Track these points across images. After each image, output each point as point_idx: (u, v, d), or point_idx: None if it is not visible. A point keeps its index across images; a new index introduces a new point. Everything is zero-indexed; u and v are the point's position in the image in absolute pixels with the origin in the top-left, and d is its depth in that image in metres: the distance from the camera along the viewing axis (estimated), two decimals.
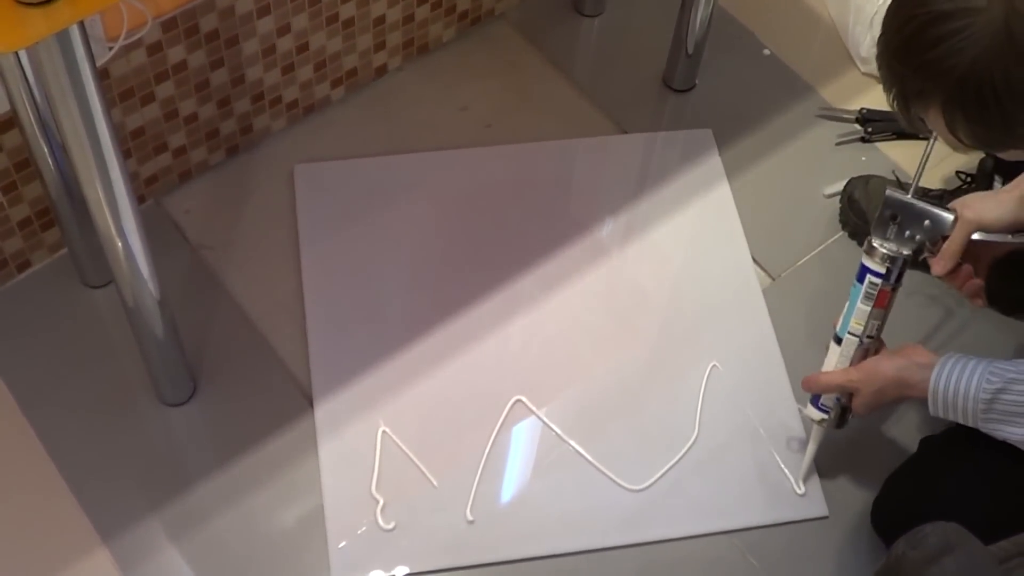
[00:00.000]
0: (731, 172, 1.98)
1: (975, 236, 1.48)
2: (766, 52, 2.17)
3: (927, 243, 1.48)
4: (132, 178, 1.70)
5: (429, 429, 1.67)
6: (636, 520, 1.62)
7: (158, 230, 1.81)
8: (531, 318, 1.79)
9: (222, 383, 1.69)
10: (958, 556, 1.03)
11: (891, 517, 1.58)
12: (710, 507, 1.64)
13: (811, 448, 1.63)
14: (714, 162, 2.00)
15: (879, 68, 1.18)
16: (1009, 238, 1.49)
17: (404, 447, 1.64)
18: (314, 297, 1.77)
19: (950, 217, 1.46)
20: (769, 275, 1.87)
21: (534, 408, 1.70)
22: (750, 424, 1.71)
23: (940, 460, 1.56)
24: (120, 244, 1.38)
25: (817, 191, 1.97)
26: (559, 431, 1.68)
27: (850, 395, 1.55)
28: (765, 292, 1.84)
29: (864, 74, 2.13)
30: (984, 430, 1.41)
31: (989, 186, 1.82)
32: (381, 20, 1.94)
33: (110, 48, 1.52)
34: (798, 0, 2.26)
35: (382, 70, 2.04)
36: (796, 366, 1.76)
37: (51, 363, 1.69)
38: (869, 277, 1.48)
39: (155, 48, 1.65)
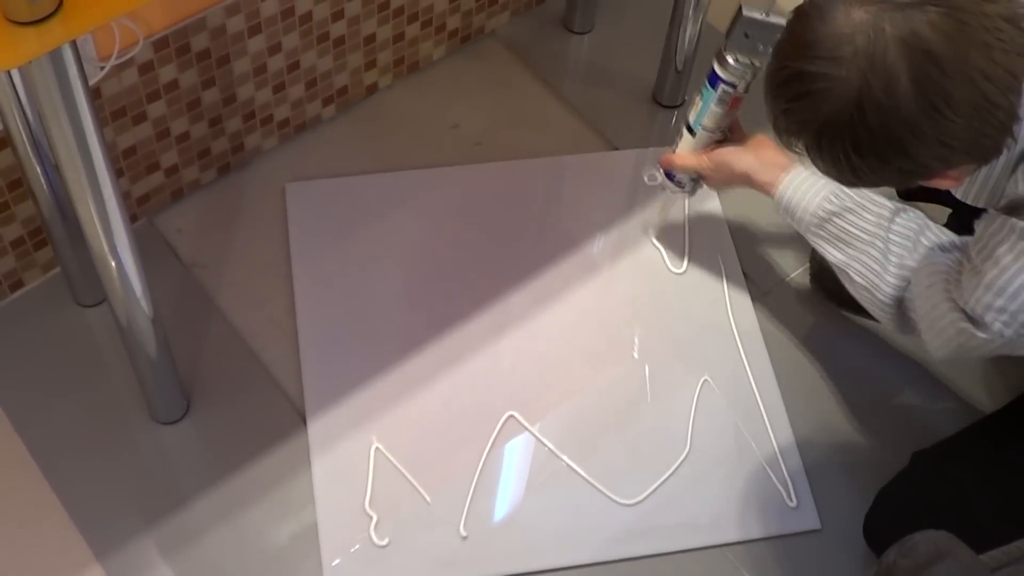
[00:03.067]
0: None
1: None
2: None
3: None
4: (124, 197, 1.70)
5: (422, 445, 1.67)
6: (629, 535, 1.62)
7: (151, 249, 1.81)
8: (523, 334, 1.79)
9: (215, 401, 1.69)
10: (948, 564, 1.04)
11: (883, 530, 1.58)
12: (703, 521, 1.64)
13: (661, 213, 1.88)
14: None
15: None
16: None
17: (397, 463, 1.65)
18: (306, 314, 1.77)
19: None
20: (760, 289, 1.87)
21: (527, 424, 1.70)
22: (742, 438, 1.72)
23: (932, 474, 1.57)
24: (113, 263, 1.38)
25: None
26: (552, 447, 1.69)
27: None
28: (756, 306, 1.85)
29: None
30: (811, 243, 1.58)
31: None
32: (372, 39, 1.95)
33: (102, 67, 1.52)
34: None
35: (373, 88, 2.05)
36: (788, 380, 1.77)
37: (44, 382, 1.69)
38: (722, 86, 1.60)
39: (147, 67, 1.66)
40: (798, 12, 1.15)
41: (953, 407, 1.76)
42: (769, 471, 1.69)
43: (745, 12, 1.53)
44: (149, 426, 1.66)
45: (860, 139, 1.11)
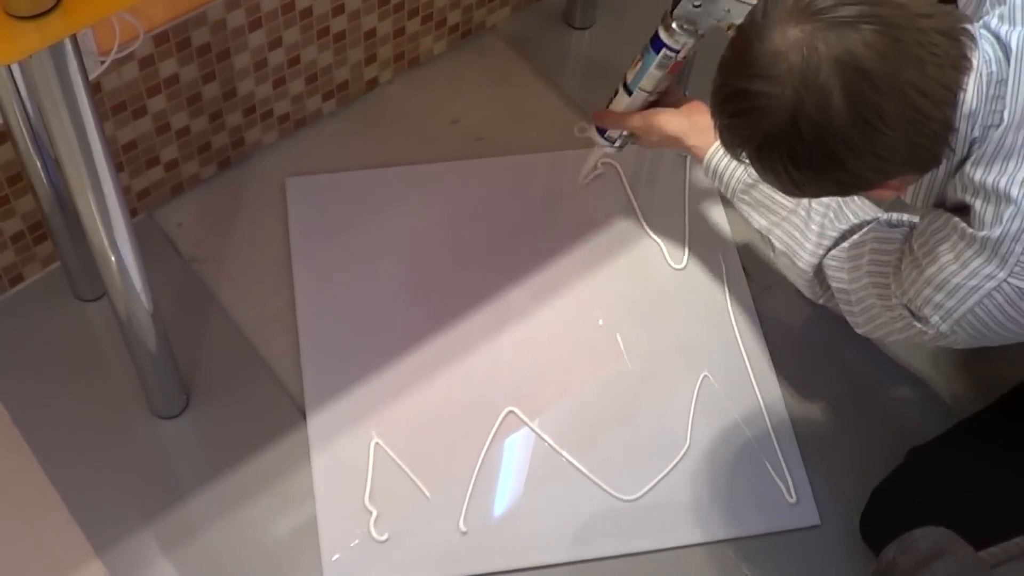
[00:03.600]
0: None
1: None
2: None
3: (727, 25, 1.57)
4: (124, 192, 1.70)
5: (422, 440, 1.67)
6: (629, 530, 1.62)
7: (150, 243, 1.81)
8: (523, 329, 1.79)
9: (215, 396, 1.69)
10: (948, 561, 1.04)
11: (880, 528, 1.59)
12: (702, 517, 1.64)
13: (588, 165, 1.89)
14: None
15: None
16: None
17: (397, 459, 1.65)
18: (306, 309, 1.77)
19: (746, 8, 1.51)
20: (760, 284, 1.87)
21: (526, 419, 1.70)
22: (742, 434, 1.72)
23: (927, 470, 1.58)
24: (113, 258, 1.38)
25: None
26: (551, 442, 1.69)
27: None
28: (756, 302, 1.85)
29: None
30: (736, 208, 1.63)
31: None
32: (372, 33, 1.95)
33: (102, 62, 1.52)
34: None
35: (373, 83, 2.05)
36: (787, 376, 1.77)
37: (44, 376, 1.69)
38: (665, 50, 1.60)
39: (147, 62, 1.66)
40: (739, 30, 1.18)
41: (952, 404, 1.76)
42: (769, 467, 1.69)
43: None
44: (149, 421, 1.66)
45: (797, 153, 1.14)
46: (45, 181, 1.55)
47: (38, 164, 1.52)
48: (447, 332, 1.77)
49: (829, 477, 1.69)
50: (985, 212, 1.21)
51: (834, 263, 1.52)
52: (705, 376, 1.77)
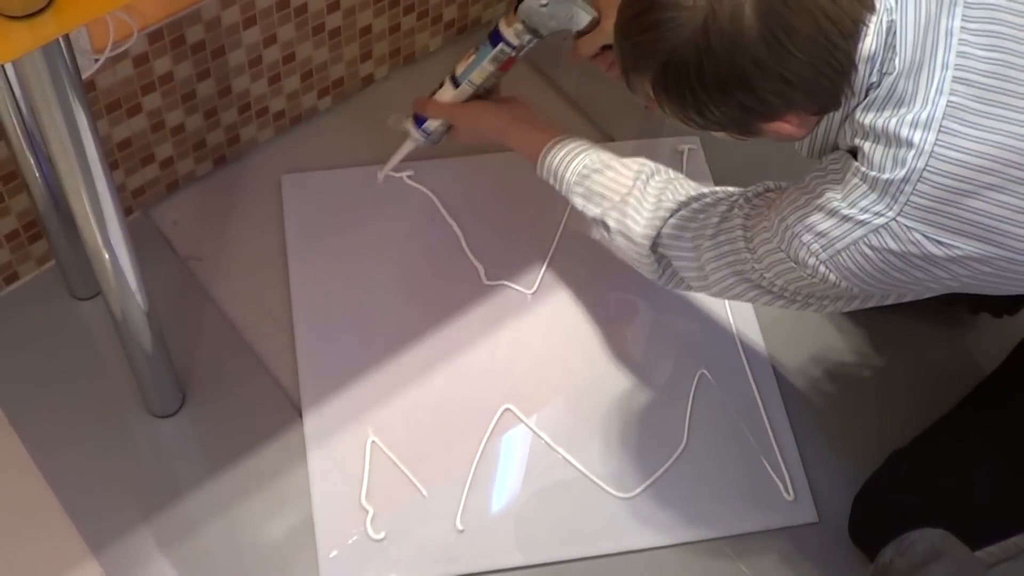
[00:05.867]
0: (718, 178, 1.98)
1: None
2: None
3: (571, 33, 1.59)
4: (119, 190, 1.70)
5: (418, 439, 1.67)
6: (626, 528, 1.62)
7: (146, 241, 1.81)
8: (519, 326, 1.79)
9: (211, 394, 1.69)
10: (945, 562, 1.04)
11: (867, 533, 1.60)
12: (700, 514, 1.64)
13: (396, 157, 1.77)
14: (702, 169, 2.00)
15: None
16: None
17: (393, 457, 1.64)
18: (302, 307, 1.77)
19: (588, 17, 1.56)
20: None
21: (523, 417, 1.70)
22: (739, 431, 1.71)
23: (911, 472, 1.58)
24: (107, 256, 1.38)
25: None
26: (548, 440, 1.68)
27: (449, 125, 1.71)
28: None
29: None
30: (572, 202, 1.60)
31: None
32: (367, 30, 1.94)
33: (96, 60, 1.52)
34: None
35: (369, 80, 2.04)
36: (785, 373, 1.77)
37: (39, 375, 1.68)
38: (502, 45, 1.59)
39: (141, 59, 1.65)
40: None
41: (950, 400, 1.76)
42: (766, 464, 1.68)
43: None
44: (144, 419, 1.66)
45: (705, 69, 1.17)
46: (39, 180, 1.54)
47: (32, 163, 1.52)
48: (443, 329, 1.77)
49: (827, 474, 1.69)
50: (874, 153, 1.22)
51: (671, 231, 1.50)
52: (702, 373, 1.76)
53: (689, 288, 1.57)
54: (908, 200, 1.20)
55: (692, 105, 1.21)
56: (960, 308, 1.80)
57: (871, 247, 1.24)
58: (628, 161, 1.57)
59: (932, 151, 1.19)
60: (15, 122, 1.45)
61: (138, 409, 1.66)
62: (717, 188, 1.51)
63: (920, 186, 1.19)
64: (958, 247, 1.21)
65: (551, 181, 1.62)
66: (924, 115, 1.19)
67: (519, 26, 1.57)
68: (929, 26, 1.21)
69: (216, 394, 1.69)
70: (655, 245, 1.53)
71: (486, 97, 1.69)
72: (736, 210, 1.43)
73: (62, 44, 1.11)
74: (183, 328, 1.73)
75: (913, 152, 1.19)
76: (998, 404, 1.61)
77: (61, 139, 1.21)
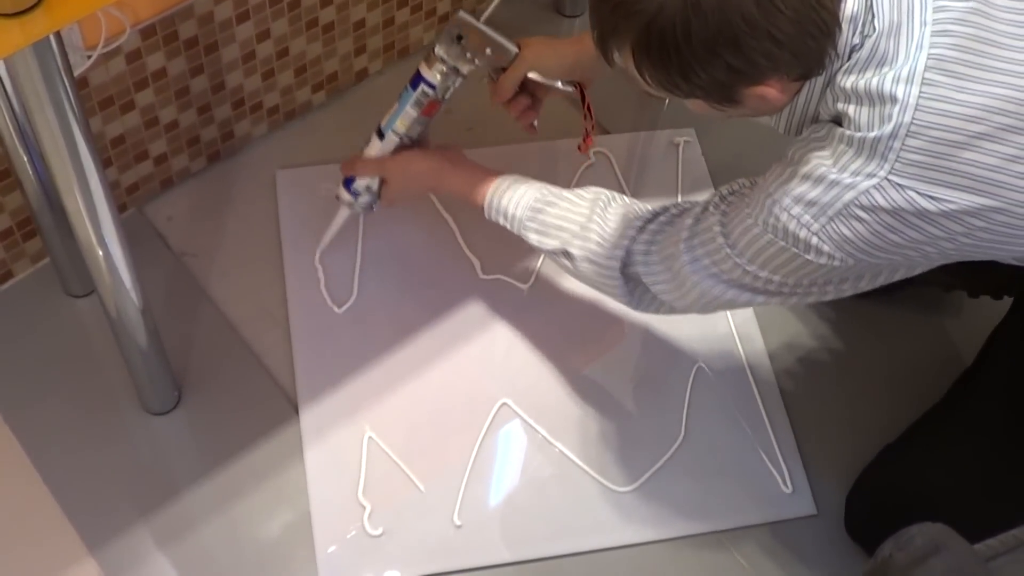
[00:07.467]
0: (714, 171, 1.98)
1: (531, 75, 1.58)
2: None
3: (490, 70, 1.59)
4: (113, 187, 1.70)
5: (415, 434, 1.66)
6: (624, 521, 1.62)
7: (140, 238, 1.80)
8: (516, 321, 1.79)
9: (207, 391, 1.68)
10: (945, 557, 1.03)
11: (863, 527, 1.60)
12: (698, 507, 1.64)
13: (332, 229, 1.75)
14: (697, 161, 2.00)
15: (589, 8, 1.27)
16: (559, 84, 1.60)
17: (390, 452, 1.64)
18: (298, 303, 1.76)
19: (512, 51, 1.56)
20: None
21: (520, 411, 1.70)
22: (737, 424, 1.71)
23: (901, 465, 1.58)
24: (101, 253, 1.37)
25: None
26: (545, 434, 1.68)
27: (381, 183, 1.67)
28: None
29: None
30: (526, 239, 1.57)
31: None
32: (361, 24, 1.94)
33: (89, 56, 1.51)
34: None
35: (363, 74, 2.04)
36: (783, 365, 1.77)
37: (35, 373, 1.68)
38: (423, 86, 1.58)
39: (134, 56, 1.65)
40: None
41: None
42: (764, 457, 1.68)
43: (461, 14, 1.53)
44: (140, 417, 1.66)
45: (692, 27, 1.14)
46: (33, 177, 1.54)
47: (25, 160, 1.51)
48: (440, 324, 1.77)
49: (826, 467, 1.68)
50: (859, 115, 1.22)
51: (642, 246, 1.47)
52: (700, 366, 1.76)
53: (665, 309, 1.52)
54: (898, 157, 1.19)
55: (676, 68, 1.18)
56: (960, 292, 1.80)
57: (864, 208, 1.22)
58: (581, 191, 1.54)
59: (917, 104, 1.18)
60: (7, 120, 1.45)
61: (134, 406, 1.66)
62: (682, 201, 1.50)
63: (909, 141, 1.19)
64: (952, 201, 1.20)
65: (501, 221, 1.59)
66: (905, 70, 1.19)
67: (440, 65, 1.55)
68: None
69: (212, 391, 1.69)
70: (625, 265, 1.49)
71: (414, 147, 1.66)
72: (711, 209, 1.40)
73: (53, 41, 1.11)
74: (178, 325, 1.73)
75: (898, 107, 1.19)
76: (981, 392, 1.60)
77: (54, 136, 1.20)
